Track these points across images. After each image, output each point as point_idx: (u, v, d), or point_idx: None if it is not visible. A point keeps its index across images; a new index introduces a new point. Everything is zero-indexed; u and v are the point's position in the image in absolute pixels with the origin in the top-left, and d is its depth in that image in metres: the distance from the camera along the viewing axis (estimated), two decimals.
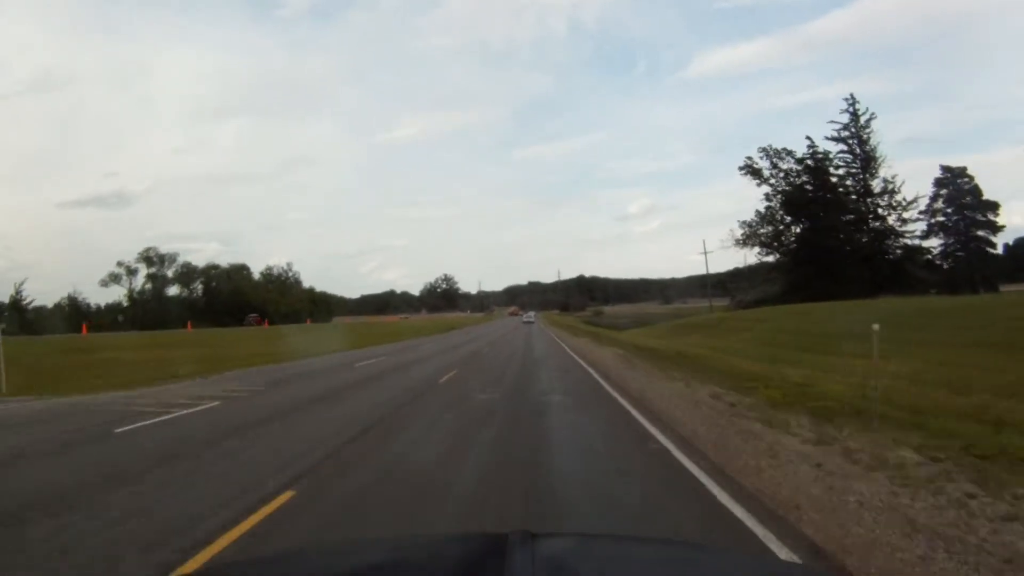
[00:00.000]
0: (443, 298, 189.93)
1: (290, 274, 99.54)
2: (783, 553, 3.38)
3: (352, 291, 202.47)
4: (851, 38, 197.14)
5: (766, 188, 50.65)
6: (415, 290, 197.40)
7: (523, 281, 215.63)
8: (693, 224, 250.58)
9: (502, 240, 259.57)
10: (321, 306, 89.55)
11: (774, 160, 50.40)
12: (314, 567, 1.26)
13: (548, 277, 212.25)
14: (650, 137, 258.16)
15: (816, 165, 49.03)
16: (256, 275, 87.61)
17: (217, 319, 61.95)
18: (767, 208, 50.34)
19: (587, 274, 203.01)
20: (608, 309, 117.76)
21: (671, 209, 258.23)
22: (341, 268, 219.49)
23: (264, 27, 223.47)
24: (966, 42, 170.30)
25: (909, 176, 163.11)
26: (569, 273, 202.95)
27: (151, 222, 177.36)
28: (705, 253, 66.71)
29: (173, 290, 75.80)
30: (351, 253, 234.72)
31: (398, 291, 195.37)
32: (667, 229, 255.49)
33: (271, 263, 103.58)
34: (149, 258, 70.89)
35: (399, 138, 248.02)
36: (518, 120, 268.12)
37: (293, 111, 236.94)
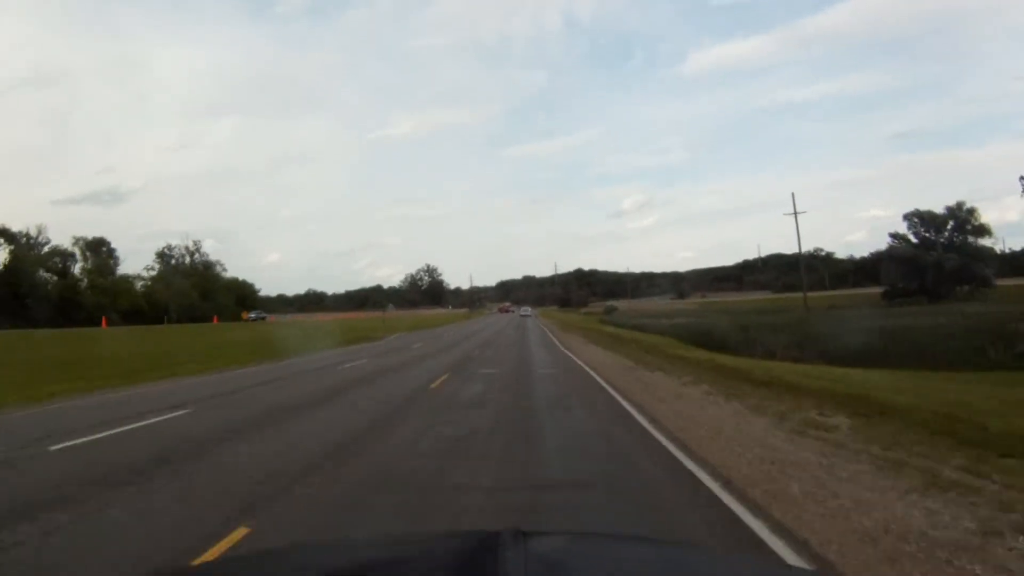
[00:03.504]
0: (427, 293, 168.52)
1: (195, 257, 72.98)
2: None
3: (345, 287, 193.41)
4: (846, 34, 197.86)
5: None
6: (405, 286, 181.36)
7: (517, 276, 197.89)
8: (691, 219, 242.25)
9: (496, 236, 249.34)
10: (222, 299, 63.01)
11: None
12: (307, 565, 1.23)
13: (542, 272, 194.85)
14: (645, 133, 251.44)
15: None
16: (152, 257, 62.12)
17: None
18: None
19: (584, 268, 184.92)
20: (621, 304, 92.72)
21: (668, 204, 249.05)
22: (335, 264, 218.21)
23: (259, 25, 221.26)
24: (960, 37, 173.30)
25: (900, 172, 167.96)
26: (564, 268, 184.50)
27: (146, 219, 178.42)
28: (795, 213, 41.13)
29: None
30: (344, 250, 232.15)
31: (385, 287, 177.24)
32: (665, 224, 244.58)
33: (172, 242, 76.57)
34: None
35: (393, 135, 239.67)
36: (513, 117, 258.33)
37: (288, 109, 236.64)
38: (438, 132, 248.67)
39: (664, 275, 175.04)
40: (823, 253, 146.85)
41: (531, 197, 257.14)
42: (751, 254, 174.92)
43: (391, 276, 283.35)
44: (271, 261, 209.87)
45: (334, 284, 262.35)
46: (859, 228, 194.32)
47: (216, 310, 58.74)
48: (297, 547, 2.13)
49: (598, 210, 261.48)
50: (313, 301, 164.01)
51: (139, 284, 54.40)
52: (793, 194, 50.18)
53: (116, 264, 59.44)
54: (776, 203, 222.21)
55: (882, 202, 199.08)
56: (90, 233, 61.35)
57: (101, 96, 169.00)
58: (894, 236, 52.37)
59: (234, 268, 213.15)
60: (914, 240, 51.08)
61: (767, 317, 35.65)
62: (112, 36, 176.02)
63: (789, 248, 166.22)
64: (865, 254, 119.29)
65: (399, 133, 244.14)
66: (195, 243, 73.38)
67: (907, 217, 51.16)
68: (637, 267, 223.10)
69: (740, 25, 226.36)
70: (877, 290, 56.14)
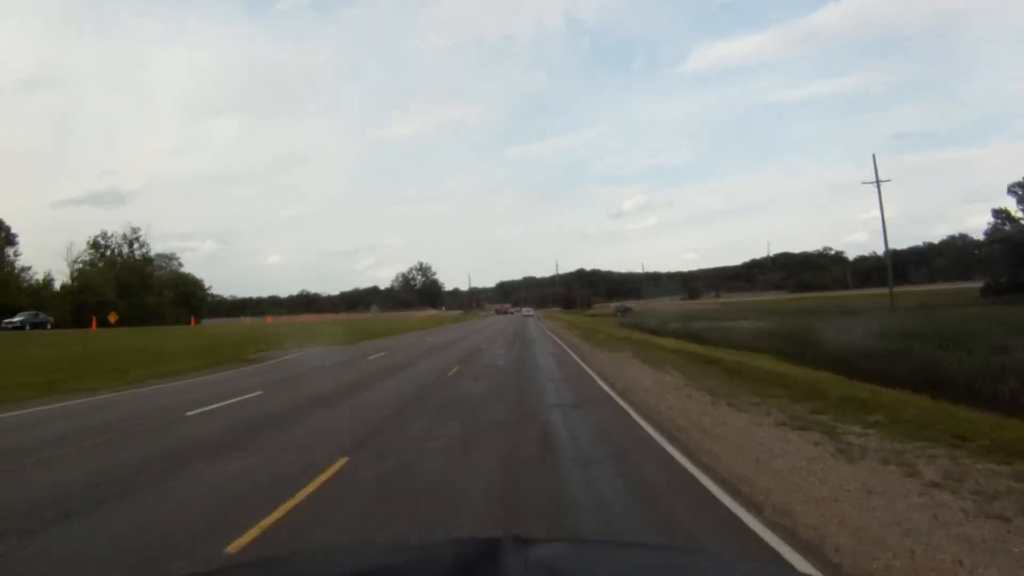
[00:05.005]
0: (423, 293, 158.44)
1: (134, 247, 61.79)
2: None
3: (345, 288, 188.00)
4: (846, 33, 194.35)
5: None
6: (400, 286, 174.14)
7: (517, 276, 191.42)
8: (693, 218, 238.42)
9: (496, 236, 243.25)
10: (151, 298, 51.71)
11: None
12: (307, 572, 1.24)
13: (543, 272, 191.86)
14: (646, 133, 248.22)
15: None
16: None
17: None
18: None
19: (586, 268, 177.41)
20: (634, 305, 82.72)
21: (670, 204, 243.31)
22: (334, 265, 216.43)
23: (259, 24, 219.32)
24: (960, 37, 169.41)
25: (901, 172, 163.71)
26: (565, 268, 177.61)
27: (146, 220, 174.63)
28: (878, 182, 30.14)
29: None
30: (345, 250, 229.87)
31: (382, 287, 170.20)
32: (667, 224, 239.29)
33: (109, 229, 65.30)
34: None
35: (394, 135, 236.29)
36: (514, 117, 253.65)
37: (288, 109, 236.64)
38: (439, 131, 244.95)
39: (669, 275, 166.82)
40: (832, 252, 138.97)
41: (531, 196, 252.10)
42: (756, 253, 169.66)
43: (390, 277, 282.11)
44: (272, 262, 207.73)
45: (334, 285, 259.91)
46: (860, 229, 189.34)
47: (141, 309, 47.54)
48: (295, 556, 2.32)
49: (599, 209, 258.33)
50: (304, 303, 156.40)
51: (33, 278, 43.43)
52: (874, 156, 38.80)
53: (16, 253, 48.22)
54: (777, 202, 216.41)
55: (886, 201, 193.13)
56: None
57: (102, 97, 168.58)
58: (998, 213, 40.62)
59: (234, 269, 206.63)
60: (1023, 217, 39.35)
61: (869, 320, 23.72)
62: (112, 38, 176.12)
63: (797, 247, 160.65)
64: (875, 252, 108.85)
65: (400, 133, 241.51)
66: (134, 230, 61.83)
67: (1012, 189, 39.37)
68: (640, 267, 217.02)
69: (741, 23, 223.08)
70: (965, 285, 44.76)
